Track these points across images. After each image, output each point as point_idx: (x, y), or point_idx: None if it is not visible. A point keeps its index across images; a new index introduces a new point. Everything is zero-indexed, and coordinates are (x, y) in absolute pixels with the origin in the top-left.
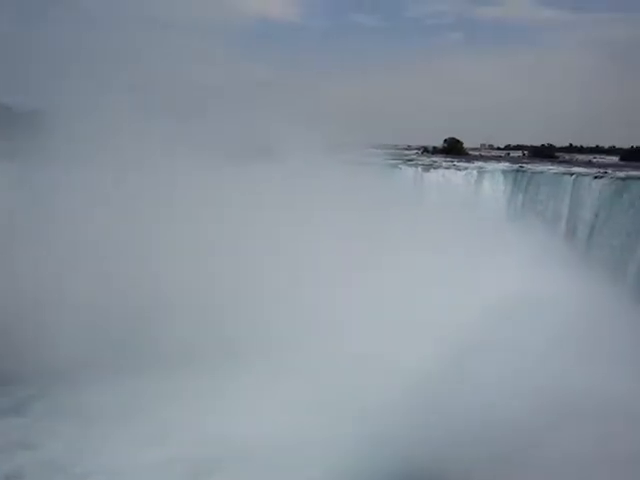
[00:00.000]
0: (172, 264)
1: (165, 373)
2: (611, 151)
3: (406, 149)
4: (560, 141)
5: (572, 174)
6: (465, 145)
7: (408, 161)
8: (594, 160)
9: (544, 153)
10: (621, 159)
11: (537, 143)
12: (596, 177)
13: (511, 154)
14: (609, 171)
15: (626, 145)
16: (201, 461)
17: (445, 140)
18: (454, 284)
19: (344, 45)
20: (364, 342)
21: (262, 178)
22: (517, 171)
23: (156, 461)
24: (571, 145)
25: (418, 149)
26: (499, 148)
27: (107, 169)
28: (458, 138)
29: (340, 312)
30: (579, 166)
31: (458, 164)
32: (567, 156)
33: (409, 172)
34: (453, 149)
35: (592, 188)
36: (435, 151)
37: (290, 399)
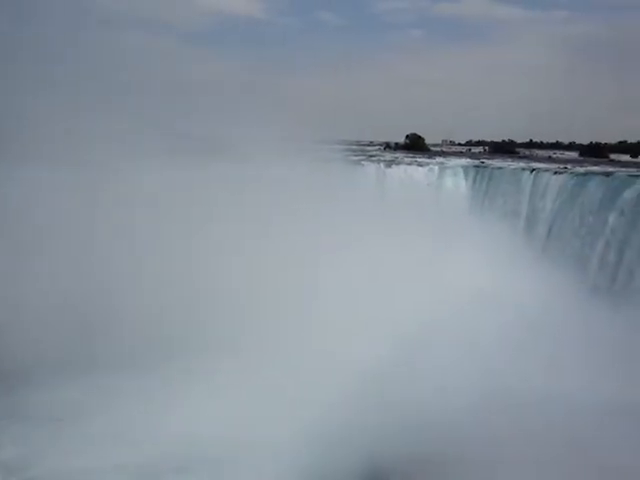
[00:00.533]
0: (122, 264)
1: (117, 372)
2: (571, 147)
3: (368, 145)
4: (520, 137)
5: (532, 170)
6: (427, 141)
7: (370, 157)
8: (554, 156)
9: (505, 149)
10: (580, 154)
11: (498, 139)
12: (556, 172)
13: (472, 150)
14: (569, 166)
15: (585, 141)
16: (155, 464)
17: (407, 136)
18: (416, 280)
19: (308, 42)
20: (324, 339)
21: (218, 176)
22: (478, 167)
23: (108, 464)
24: (531, 141)
25: (380, 145)
26: (460, 144)
27: (41, 167)
28: (420, 134)
29: (302, 309)
30: (539, 162)
31: (420, 160)
32: (527, 152)
33: (371, 168)
34: (415, 145)
35: (552, 183)
36: (397, 147)
37: (243, 398)
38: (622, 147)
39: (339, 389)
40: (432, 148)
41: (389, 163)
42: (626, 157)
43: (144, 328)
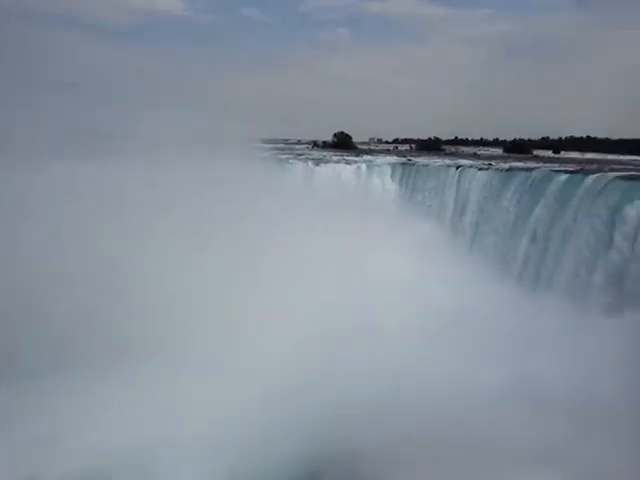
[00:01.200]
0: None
1: (40, 375)
2: (495, 143)
3: (296, 144)
4: (446, 134)
5: (458, 167)
6: (354, 139)
7: (299, 155)
8: (479, 152)
9: (431, 146)
10: (505, 151)
11: (424, 136)
12: (481, 169)
13: (399, 148)
14: (493, 163)
15: (509, 137)
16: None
17: (335, 134)
18: (343, 278)
19: (233, 39)
20: (252, 338)
21: (139, 175)
22: (405, 164)
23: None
24: (456, 138)
25: (308, 144)
26: (387, 142)
27: None
28: (347, 133)
29: (232, 307)
30: (465, 158)
31: (348, 158)
32: (453, 149)
33: (300, 167)
34: (343, 143)
35: (477, 180)
36: (325, 145)
37: (167, 401)
38: (545, 143)
39: (263, 388)
40: (360, 146)
41: (317, 161)
42: (549, 153)
43: (66, 329)
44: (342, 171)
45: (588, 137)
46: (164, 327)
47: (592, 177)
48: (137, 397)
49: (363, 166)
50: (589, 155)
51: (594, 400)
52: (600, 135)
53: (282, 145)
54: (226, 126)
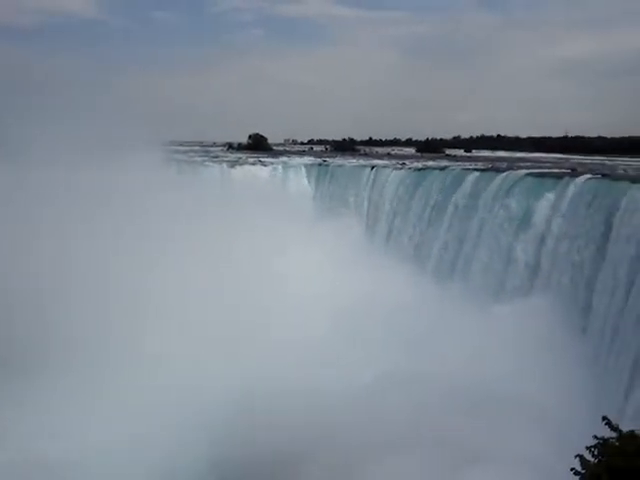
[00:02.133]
0: None
1: None
2: (408, 143)
3: (212, 146)
4: (360, 135)
5: (372, 167)
6: (270, 141)
7: (214, 158)
8: (393, 152)
9: (346, 147)
10: (418, 150)
11: (339, 137)
12: (395, 169)
13: (314, 148)
14: (407, 162)
15: (422, 137)
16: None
17: (250, 136)
18: (260, 281)
19: (145, 42)
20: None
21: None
22: (320, 165)
23: None
24: (371, 138)
25: (223, 146)
26: (302, 143)
27: None
28: (262, 134)
29: (138, 312)
30: (379, 158)
31: (264, 159)
32: (367, 149)
33: (215, 169)
34: (258, 145)
35: (391, 179)
36: (240, 147)
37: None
38: (457, 142)
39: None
40: (275, 148)
41: (233, 163)
42: (460, 152)
43: None
44: (258, 172)
45: (499, 136)
46: (78, 329)
47: (503, 175)
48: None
49: (279, 167)
50: (499, 153)
51: (480, 386)
52: (510, 134)
53: (197, 147)
54: (136, 129)
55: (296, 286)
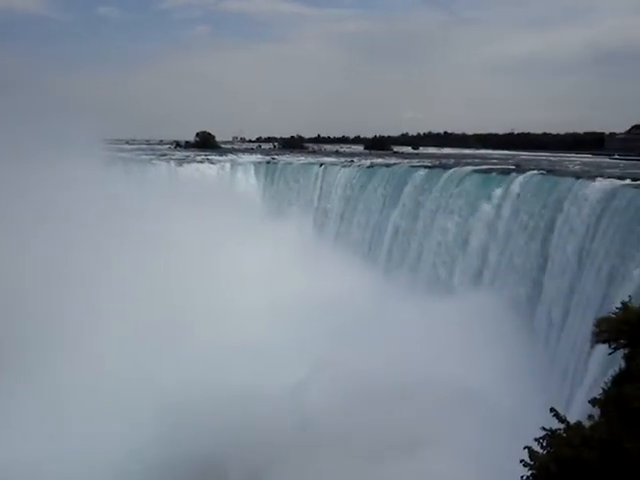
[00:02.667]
0: None
1: None
2: (356, 140)
3: (159, 144)
4: (309, 132)
5: (321, 164)
6: (217, 139)
7: (161, 156)
8: (341, 150)
9: (294, 144)
10: (366, 148)
11: (287, 135)
12: (344, 166)
13: (262, 146)
14: (355, 160)
15: (370, 134)
16: None
17: (197, 134)
18: (206, 282)
19: (91, 38)
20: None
21: None
22: (269, 163)
23: None
24: (319, 136)
25: (171, 144)
26: (251, 140)
27: None
28: (210, 132)
29: (84, 309)
30: (327, 156)
31: (211, 157)
32: (316, 147)
33: (163, 167)
34: (206, 143)
35: (340, 177)
36: (188, 145)
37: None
38: (404, 140)
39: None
40: (223, 145)
41: (180, 162)
42: (408, 149)
43: None
44: (206, 171)
45: (445, 133)
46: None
47: (450, 171)
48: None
49: (227, 165)
50: (446, 150)
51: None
52: (457, 131)
53: (145, 146)
54: (77, 127)
55: (242, 285)
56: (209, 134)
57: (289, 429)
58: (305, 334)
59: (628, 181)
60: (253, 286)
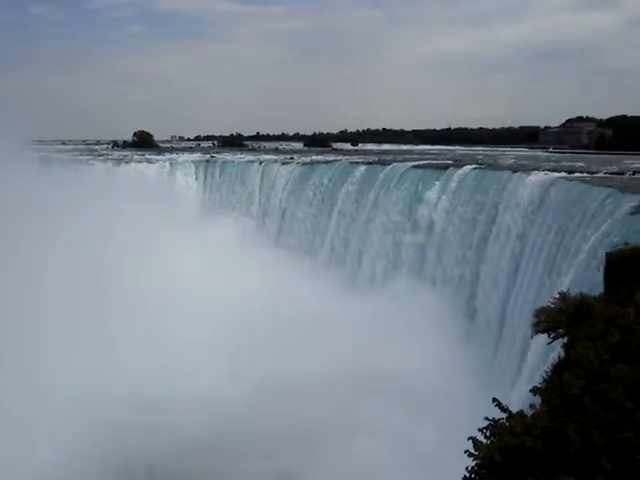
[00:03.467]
0: None
1: None
2: (296, 138)
3: (96, 144)
4: (248, 130)
5: (261, 162)
6: (156, 138)
7: (99, 156)
8: (281, 147)
9: (233, 142)
10: (305, 145)
11: (226, 133)
12: (284, 163)
13: (201, 144)
14: (295, 157)
15: (309, 132)
16: None
17: (135, 133)
18: (147, 284)
19: (22, 38)
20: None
21: None
22: (208, 161)
23: None
24: (258, 133)
25: (108, 144)
26: (189, 139)
27: None
28: (148, 131)
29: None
30: (267, 153)
31: (150, 157)
32: (255, 144)
33: (100, 167)
34: (144, 142)
35: (280, 174)
36: (125, 145)
37: None
38: (343, 136)
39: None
40: (161, 144)
41: (118, 162)
42: (347, 145)
43: None
44: (145, 170)
45: (384, 129)
46: None
47: (389, 167)
48: None
49: (166, 164)
50: (385, 146)
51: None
52: (395, 127)
53: (82, 146)
54: (6, 128)
55: (177, 285)
56: (147, 133)
57: (209, 430)
58: (234, 335)
59: (563, 174)
60: (188, 285)
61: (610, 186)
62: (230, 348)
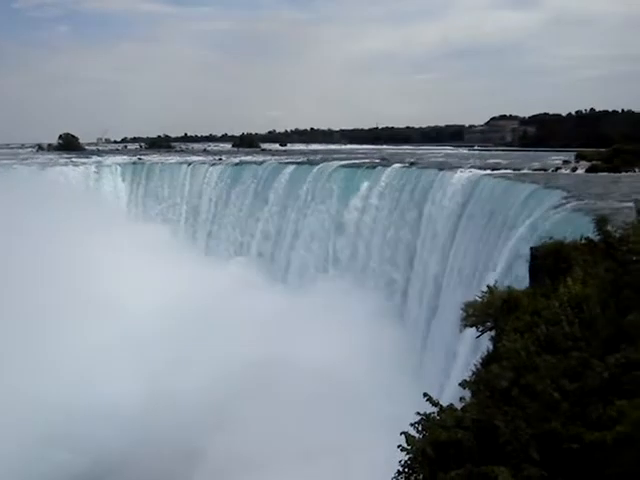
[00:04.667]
0: None
1: None
2: (224, 139)
3: (20, 148)
4: (175, 131)
5: (189, 163)
6: (81, 140)
7: (23, 160)
8: (209, 148)
9: (161, 144)
10: (234, 146)
11: (153, 135)
12: (213, 164)
13: (128, 147)
14: (224, 157)
15: (237, 132)
16: None
17: (60, 136)
18: (65, 285)
19: None
20: None
21: None
22: (135, 163)
23: None
24: (186, 135)
25: (33, 147)
26: (116, 141)
27: None
28: (74, 134)
29: None
30: (195, 155)
31: (76, 160)
32: (183, 146)
33: (24, 171)
34: (69, 145)
35: (209, 175)
36: (51, 148)
37: None
38: (272, 137)
39: None
40: (87, 147)
41: (43, 165)
42: (276, 146)
43: None
44: (70, 174)
45: (312, 129)
46: None
47: (318, 167)
48: None
49: (92, 167)
50: (314, 146)
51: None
52: (323, 127)
53: (5, 150)
54: None
55: (102, 288)
56: (72, 136)
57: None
58: (152, 338)
59: (488, 171)
60: (108, 287)
61: (534, 182)
62: (143, 352)
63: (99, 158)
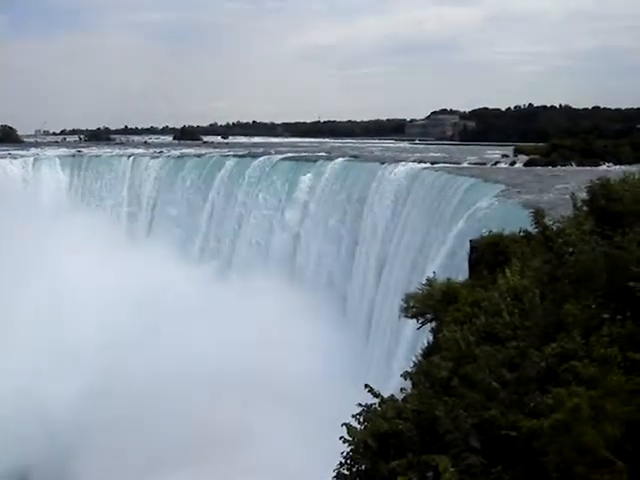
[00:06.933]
0: None
1: None
2: (165, 131)
3: None
4: (115, 124)
5: (129, 156)
6: (19, 132)
7: None
8: (150, 141)
9: (101, 136)
10: (175, 138)
11: (93, 127)
12: (153, 157)
13: (67, 139)
14: (165, 150)
15: (179, 125)
16: None
17: None
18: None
19: None
20: None
21: None
22: (74, 156)
23: None
24: (126, 127)
25: None
26: (55, 133)
27: None
28: (11, 126)
29: None
30: (136, 147)
31: (14, 152)
32: (124, 138)
33: None
34: (7, 137)
35: (150, 168)
36: None
37: None
38: (213, 129)
39: None
40: (25, 139)
41: None
42: (218, 138)
43: None
44: (8, 167)
45: (254, 122)
46: None
47: (260, 159)
48: None
49: (31, 160)
50: (256, 139)
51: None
52: (265, 120)
53: None
54: None
55: (41, 284)
56: (10, 128)
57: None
58: (92, 334)
59: (428, 164)
60: (51, 284)
61: (473, 176)
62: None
63: (38, 150)
